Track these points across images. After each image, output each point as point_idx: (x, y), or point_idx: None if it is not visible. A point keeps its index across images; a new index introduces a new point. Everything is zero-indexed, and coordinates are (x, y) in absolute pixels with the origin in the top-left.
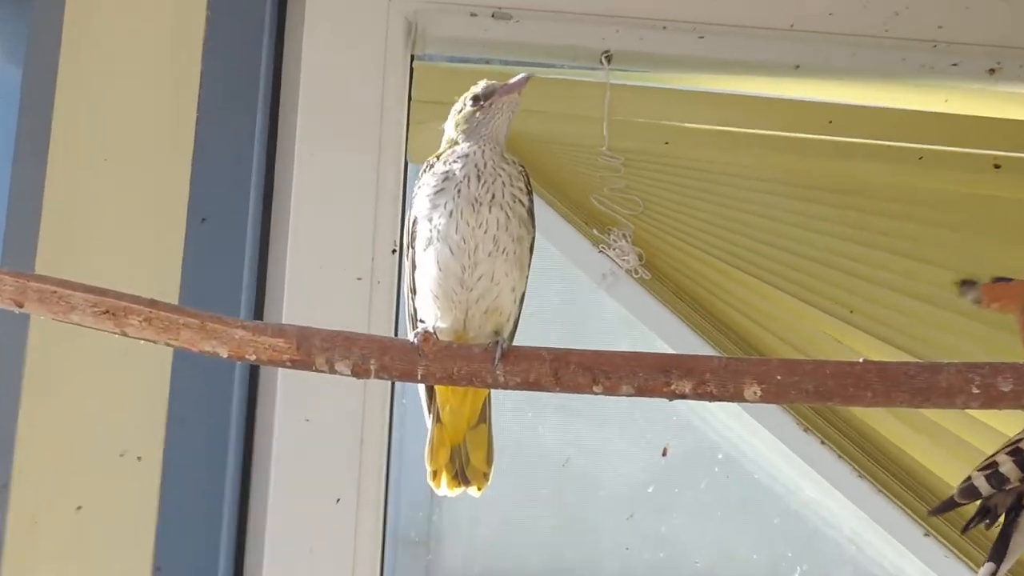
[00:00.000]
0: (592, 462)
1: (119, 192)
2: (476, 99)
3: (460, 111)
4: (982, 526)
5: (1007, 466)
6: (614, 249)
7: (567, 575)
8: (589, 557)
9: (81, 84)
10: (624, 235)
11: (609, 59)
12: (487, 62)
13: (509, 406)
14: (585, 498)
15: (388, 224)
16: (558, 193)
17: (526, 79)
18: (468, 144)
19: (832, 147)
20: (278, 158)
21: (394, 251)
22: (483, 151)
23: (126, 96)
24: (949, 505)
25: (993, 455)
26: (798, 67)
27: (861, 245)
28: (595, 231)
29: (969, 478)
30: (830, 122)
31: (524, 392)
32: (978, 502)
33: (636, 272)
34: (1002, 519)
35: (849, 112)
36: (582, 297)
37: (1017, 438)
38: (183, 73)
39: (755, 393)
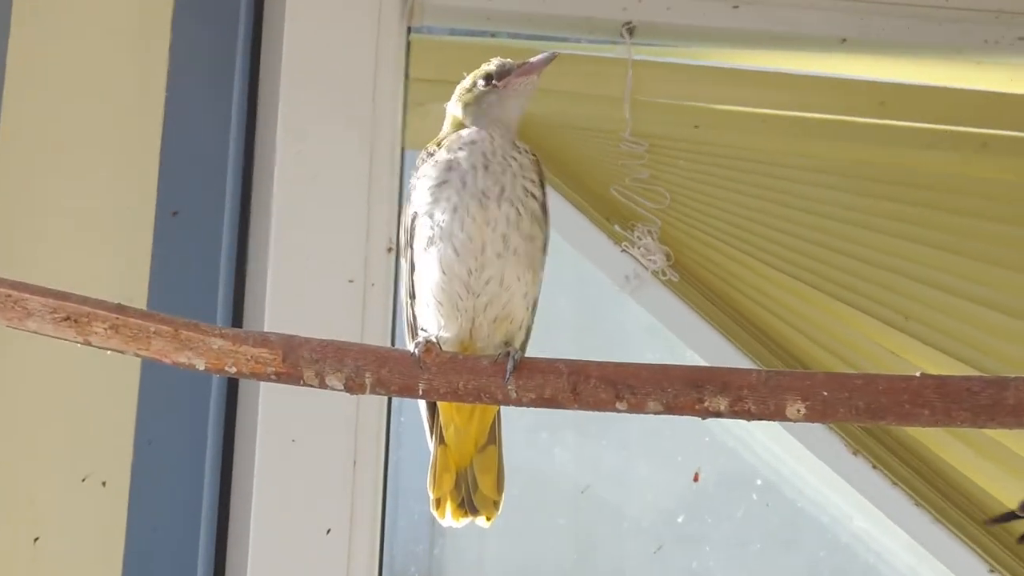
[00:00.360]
0: (614, 489)
1: (77, 182)
2: (488, 78)
3: (469, 90)
4: None
5: None
6: (638, 248)
7: None
8: None
9: (33, 57)
10: (649, 232)
11: (631, 31)
12: (493, 35)
13: (520, 426)
14: (607, 529)
15: (383, 219)
16: (574, 184)
17: (549, 58)
18: (475, 129)
19: (884, 132)
20: (257, 144)
21: (390, 250)
22: (492, 137)
23: (84, 70)
24: (1008, 517)
25: None
26: (845, 41)
27: (917, 243)
28: (616, 227)
29: None
30: (882, 103)
31: (537, 410)
32: None
33: (663, 273)
34: None
35: (903, 92)
36: (602, 302)
37: None
38: (150, 47)
39: (798, 411)
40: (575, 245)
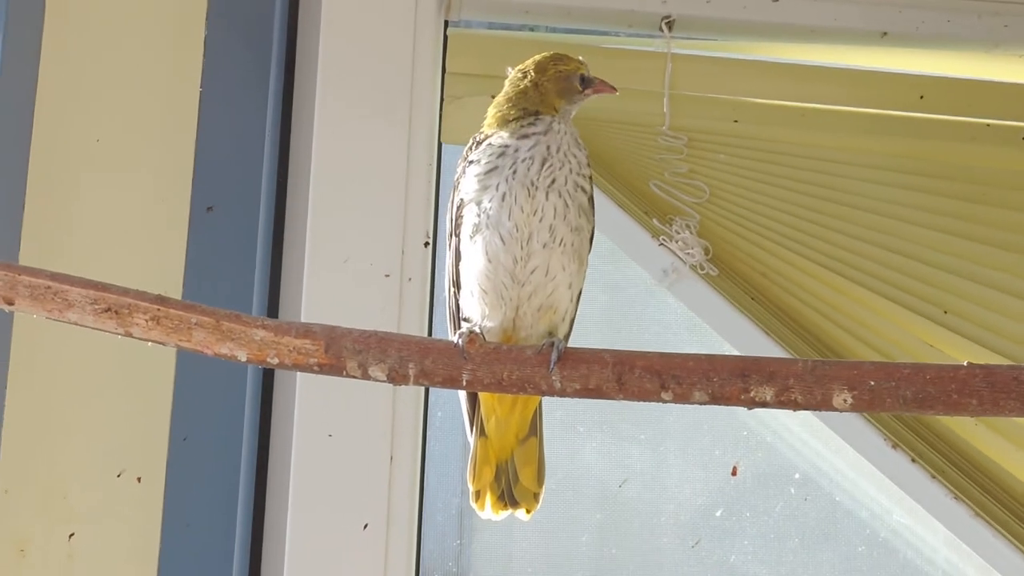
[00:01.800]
0: (652, 483)
1: (113, 177)
2: (583, 80)
3: (557, 78)
4: None
5: None
6: (676, 241)
7: None
8: None
9: (68, 51)
10: (688, 226)
11: (670, 25)
12: (531, 29)
13: (555, 421)
14: (643, 524)
15: (419, 213)
16: (612, 178)
17: (613, 91)
18: (551, 119)
19: (923, 125)
20: (293, 138)
21: (427, 244)
22: (562, 132)
23: (120, 65)
24: None
25: None
26: (886, 35)
27: (956, 237)
28: (655, 221)
29: None
30: (921, 97)
31: (572, 403)
32: None
33: (701, 267)
34: None
35: (943, 86)
36: (639, 295)
37: None
38: (185, 39)
39: (845, 401)
40: (613, 239)
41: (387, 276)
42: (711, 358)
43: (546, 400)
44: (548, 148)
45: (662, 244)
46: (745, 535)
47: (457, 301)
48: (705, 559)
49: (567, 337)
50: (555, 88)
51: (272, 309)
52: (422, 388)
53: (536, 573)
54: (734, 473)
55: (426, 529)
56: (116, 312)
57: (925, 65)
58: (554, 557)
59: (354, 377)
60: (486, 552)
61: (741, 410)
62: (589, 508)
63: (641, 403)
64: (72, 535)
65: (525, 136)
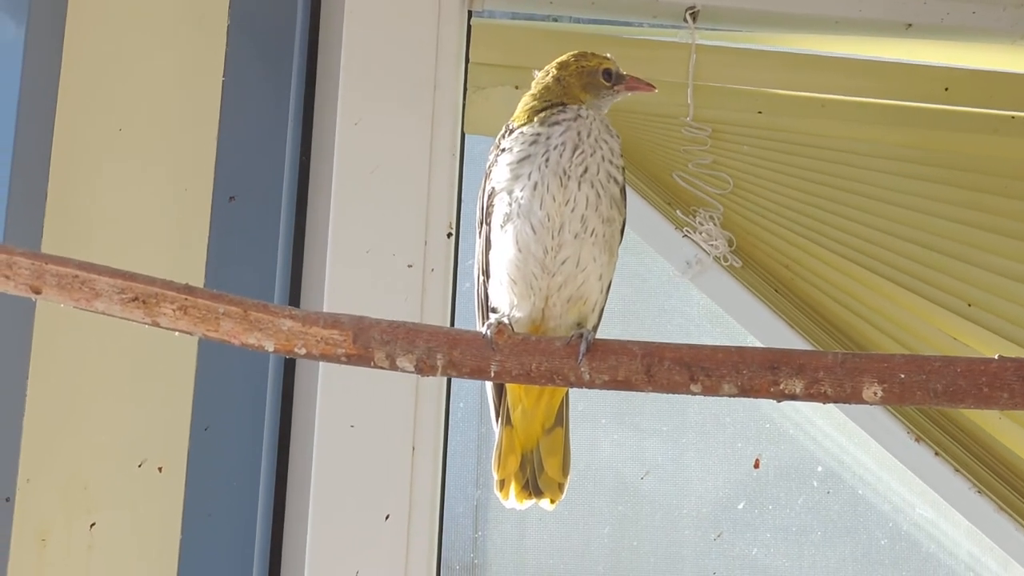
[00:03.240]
0: (674, 476)
1: (135, 166)
2: (609, 74)
3: (583, 72)
4: None
5: None
6: (700, 233)
7: None
8: None
9: (91, 41)
10: (712, 217)
11: (695, 16)
12: (555, 20)
13: (576, 413)
14: (664, 517)
15: (443, 204)
16: (636, 169)
17: (651, 89)
18: (578, 107)
19: (949, 117)
20: (315, 128)
21: (449, 235)
22: (592, 118)
23: (142, 54)
24: None
25: None
26: (911, 26)
27: (982, 230)
28: (679, 212)
29: None
30: (946, 89)
31: (594, 394)
32: None
33: (725, 259)
34: None
35: (969, 78)
36: (662, 287)
37: None
38: (207, 29)
39: (875, 394)
40: (636, 230)
41: (410, 266)
42: (740, 350)
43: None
44: (579, 134)
45: (686, 236)
46: (767, 528)
47: (486, 290)
48: (727, 552)
49: (596, 328)
50: (579, 83)
51: (294, 299)
52: (444, 379)
53: (555, 565)
54: (756, 466)
55: (446, 520)
56: (144, 302)
57: (950, 57)
58: (573, 549)
59: (382, 368)
60: (504, 543)
61: (764, 403)
62: (610, 500)
63: (663, 395)
64: (93, 525)
65: (556, 123)
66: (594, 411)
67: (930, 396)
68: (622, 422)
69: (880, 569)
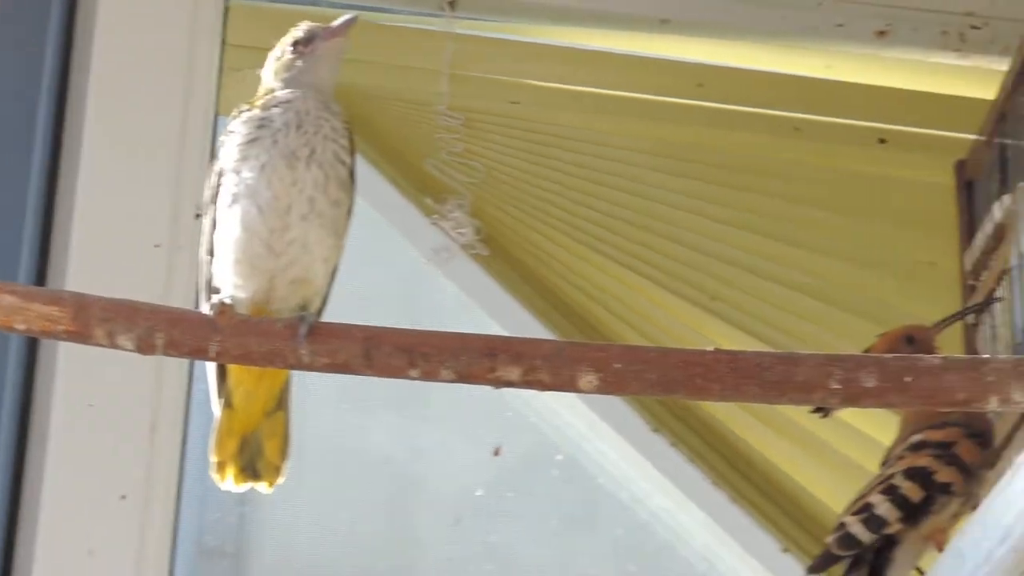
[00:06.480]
0: (415, 461)
1: None
2: (296, 45)
3: (279, 58)
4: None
5: (883, 507)
6: (449, 221)
7: None
8: (409, 567)
9: None
10: (461, 206)
11: (453, 5)
12: (313, 3)
13: (324, 398)
14: (406, 501)
15: (193, 185)
16: (388, 155)
17: (351, 21)
18: (290, 90)
19: (701, 113)
20: (69, 104)
21: (198, 216)
22: (306, 98)
23: None
24: (829, 559)
25: (864, 494)
26: (666, 22)
27: (728, 225)
28: (429, 200)
29: (843, 525)
30: (700, 85)
31: (343, 381)
32: None
33: (473, 247)
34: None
35: (721, 75)
36: (411, 275)
37: (888, 473)
38: None
39: (591, 383)
40: (387, 217)
41: (157, 246)
42: (461, 336)
43: (314, 374)
44: (297, 113)
45: (434, 223)
46: (506, 515)
47: (210, 270)
48: (465, 538)
49: (320, 312)
50: (276, 66)
51: (40, 278)
52: (187, 360)
53: (309, 548)
54: (497, 453)
55: (205, 503)
56: None
57: (704, 53)
58: (312, 531)
59: (102, 345)
60: (264, 527)
61: (507, 391)
62: (347, 485)
63: (406, 381)
64: None
65: (275, 105)
66: (337, 396)
67: (645, 386)
68: (364, 405)
69: (616, 559)
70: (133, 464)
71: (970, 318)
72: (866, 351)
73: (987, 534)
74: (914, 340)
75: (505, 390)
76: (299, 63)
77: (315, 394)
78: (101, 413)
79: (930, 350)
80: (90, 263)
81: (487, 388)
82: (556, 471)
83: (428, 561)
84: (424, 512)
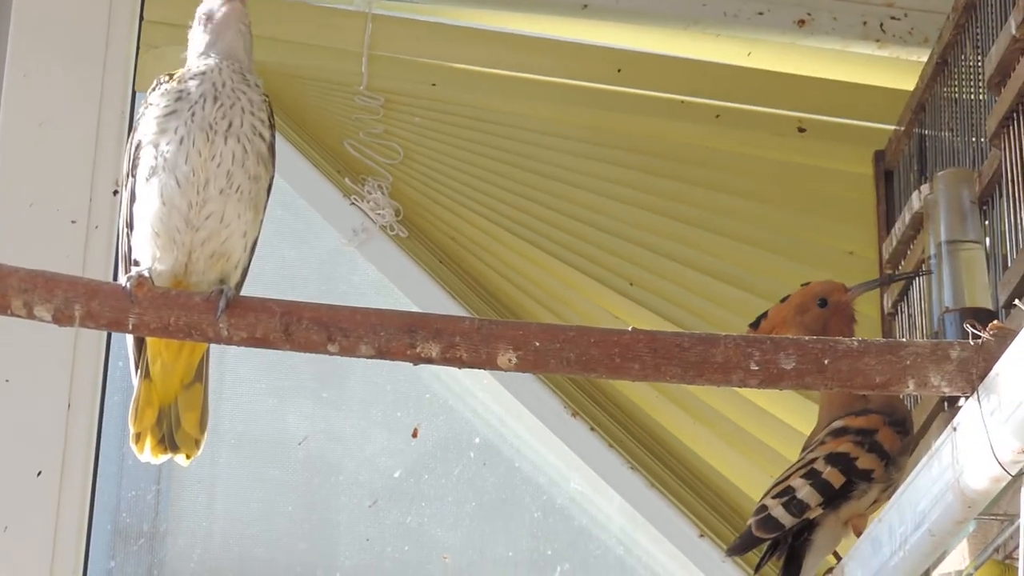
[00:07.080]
0: (332, 443)
1: None
2: (201, 17)
3: (191, 32)
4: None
5: (805, 491)
6: (368, 202)
7: (300, 570)
8: (326, 549)
9: None
10: (379, 186)
11: None
12: None
13: (242, 377)
14: (323, 483)
15: (110, 161)
16: (307, 135)
17: None
18: (203, 63)
19: (620, 99)
20: None
21: (115, 192)
22: (220, 68)
23: None
24: (749, 541)
25: (785, 478)
26: (586, 7)
27: (647, 211)
28: (348, 180)
29: (764, 508)
30: (619, 71)
31: (256, 357)
32: None
33: (391, 228)
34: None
35: (641, 60)
36: (329, 254)
37: (809, 457)
38: None
39: (510, 360)
40: (306, 197)
41: (73, 223)
42: (380, 312)
43: (229, 355)
44: (214, 84)
45: (353, 204)
46: (423, 497)
47: (129, 243)
48: (381, 519)
49: (239, 286)
50: (189, 40)
51: None
52: (104, 335)
53: (227, 529)
54: (415, 435)
55: (122, 484)
56: None
57: (624, 39)
58: (229, 512)
59: (19, 316)
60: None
61: (426, 372)
62: (264, 465)
63: (325, 360)
64: None
65: (192, 77)
66: (252, 378)
67: (564, 364)
68: (282, 386)
69: (533, 541)
70: (50, 440)
71: (888, 307)
72: (782, 301)
73: (903, 519)
74: (827, 303)
75: (424, 372)
76: (205, 34)
77: (232, 376)
78: (17, 388)
79: (847, 313)
80: (5, 239)
81: (405, 370)
82: (474, 454)
83: (345, 543)
84: (341, 494)
